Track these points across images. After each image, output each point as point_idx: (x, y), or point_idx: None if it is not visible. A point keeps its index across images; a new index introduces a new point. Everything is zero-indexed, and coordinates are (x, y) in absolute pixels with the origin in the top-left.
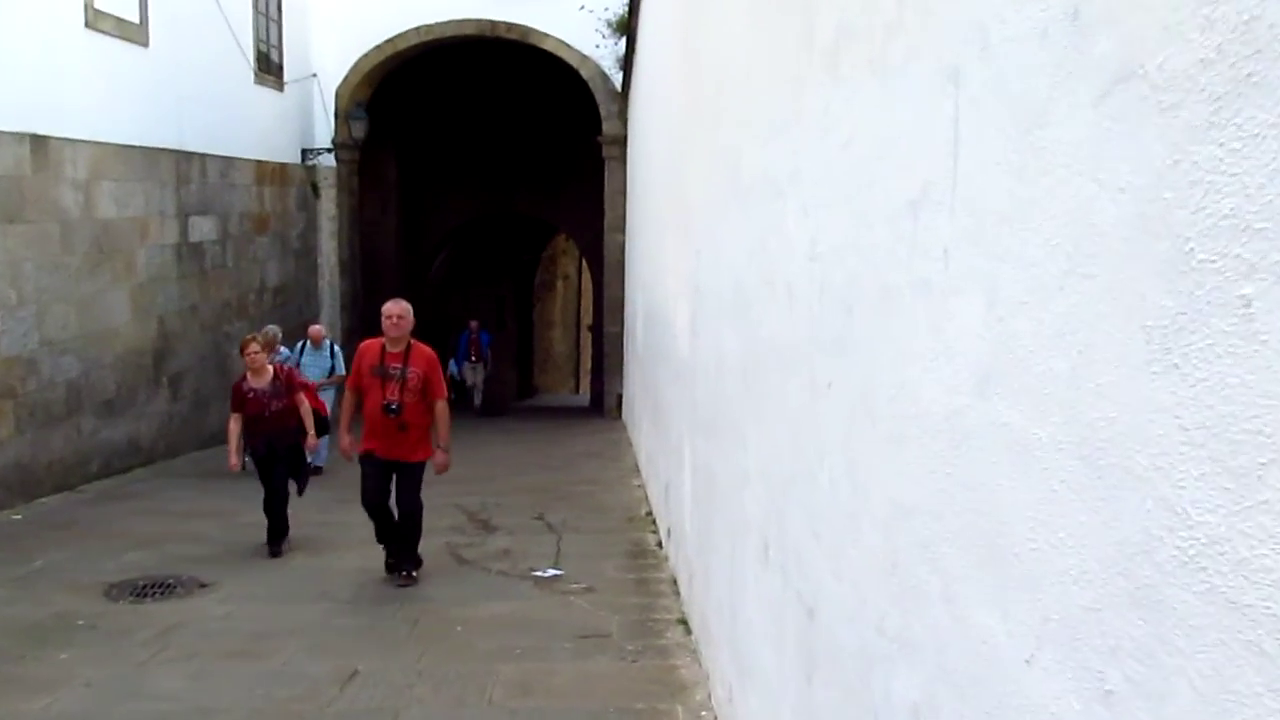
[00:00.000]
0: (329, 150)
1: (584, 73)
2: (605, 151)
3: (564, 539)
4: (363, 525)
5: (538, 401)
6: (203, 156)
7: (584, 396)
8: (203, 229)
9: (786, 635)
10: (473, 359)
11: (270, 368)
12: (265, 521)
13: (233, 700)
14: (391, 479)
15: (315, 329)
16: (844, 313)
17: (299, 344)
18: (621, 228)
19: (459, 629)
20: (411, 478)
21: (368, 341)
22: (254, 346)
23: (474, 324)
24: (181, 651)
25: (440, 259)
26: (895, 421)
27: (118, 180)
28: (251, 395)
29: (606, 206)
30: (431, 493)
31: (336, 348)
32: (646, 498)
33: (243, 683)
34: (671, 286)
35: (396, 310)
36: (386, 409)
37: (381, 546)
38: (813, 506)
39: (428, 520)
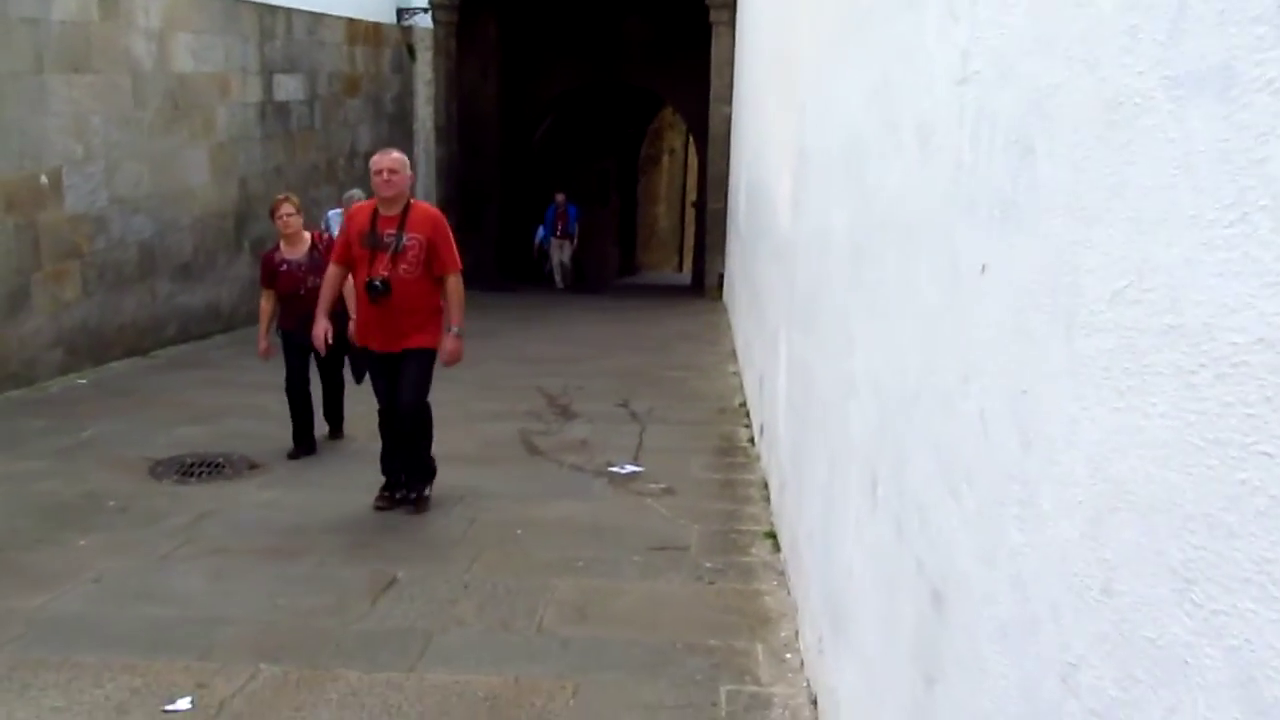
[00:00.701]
0: (425, 10)
1: None
2: (713, 16)
3: (648, 430)
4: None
5: (639, 280)
6: (288, 11)
7: (686, 276)
8: (289, 88)
9: (900, 615)
10: (558, 234)
11: (307, 235)
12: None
13: (249, 609)
14: (394, 370)
15: (351, 196)
16: (1018, 156)
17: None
18: (728, 98)
19: (519, 532)
20: (414, 368)
21: (358, 204)
22: (287, 208)
23: (560, 196)
24: (209, 545)
25: (542, 128)
26: (1123, 335)
27: (195, 32)
28: (285, 268)
29: (713, 75)
30: (512, 373)
31: None
32: (742, 387)
33: (266, 586)
34: (773, 155)
35: (387, 162)
36: (370, 287)
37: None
38: (948, 446)
39: (505, 402)
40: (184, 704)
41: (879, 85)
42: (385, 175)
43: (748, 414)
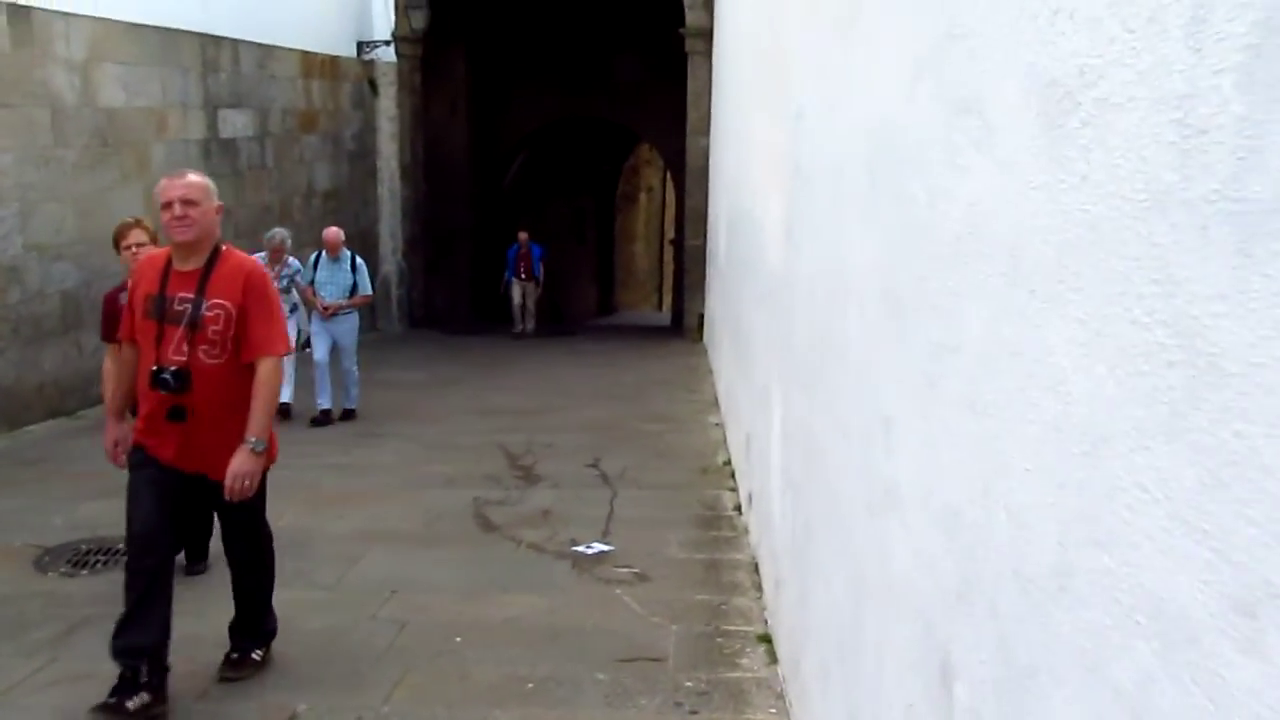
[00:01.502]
0: (386, 43)
1: None
2: (688, 45)
3: (619, 497)
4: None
5: (617, 319)
6: (235, 42)
7: (666, 315)
8: (236, 124)
9: None
10: (521, 276)
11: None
12: None
13: None
14: (185, 498)
15: (331, 232)
16: None
17: (314, 255)
18: (705, 130)
19: (458, 640)
20: (239, 509)
21: (149, 255)
22: (137, 235)
23: (523, 236)
24: (71, 668)
25: (515, 166)
26: None
27: (127, 64)
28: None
29: (690, 107)
30: (472, 428)
31: (360, 260)
32: (725, 441)
33: None
34: (759, 179)
35: (179, 190)
36: (156, 380)
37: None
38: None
39: (460, 463)
40: None
41: (934, 54)
42: (177, 209)
43: (733, 474)
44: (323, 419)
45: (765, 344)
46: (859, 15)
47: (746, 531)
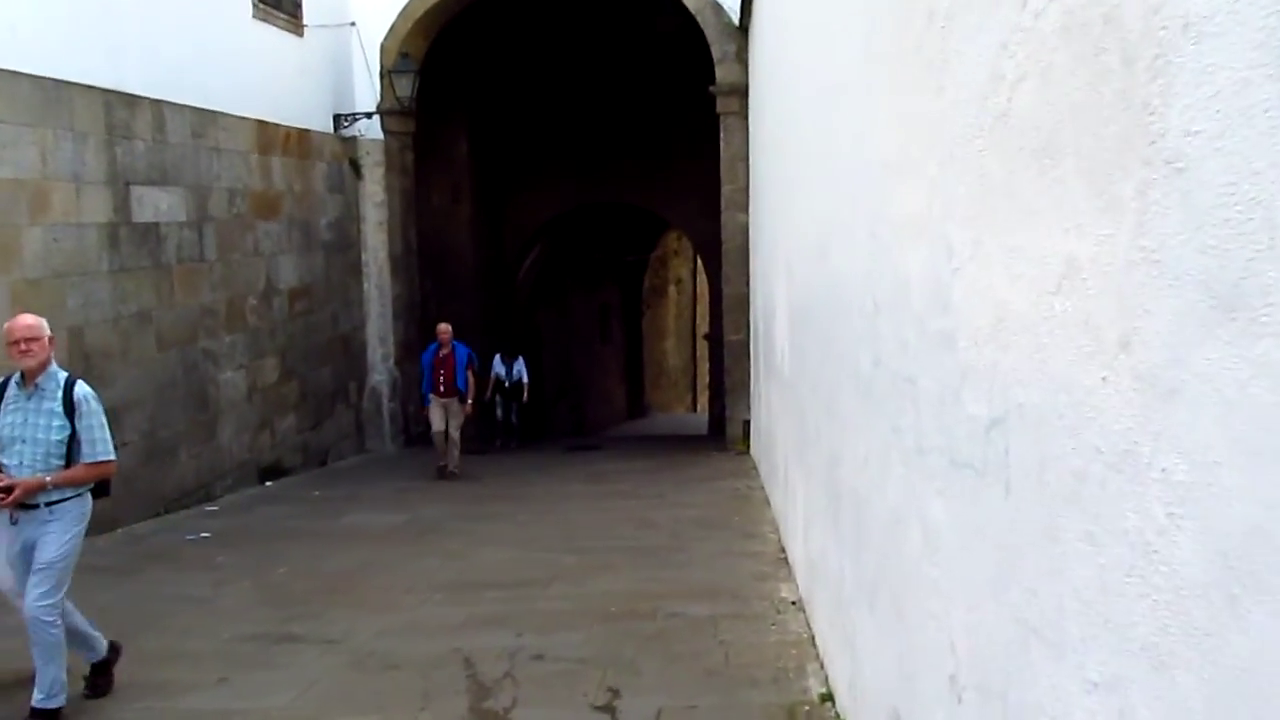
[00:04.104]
0: (368, 116)
1: (690, 3)
2: (720, 105)
3: None
4: None
5: (647, 424)
6: (157, 104)
7: (701, 416)
8: (160, 206)
9: None
10: (440, 390)
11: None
12: None
13: None
14: None
15: (19, 324)
16: None
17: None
18: (744, 204)
19: None
20: None
21: None
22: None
23: (443, 330)
24: None
25: (530, 259)
26: None
27: None
28: None
29: (723, 177)
30: (429, 621)
31: (85, 395)
32: (811, 632)
33: None
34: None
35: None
36: None
37: None
38: None
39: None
40: None
41: None
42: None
43: (834, 706)
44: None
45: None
46: None
47: None
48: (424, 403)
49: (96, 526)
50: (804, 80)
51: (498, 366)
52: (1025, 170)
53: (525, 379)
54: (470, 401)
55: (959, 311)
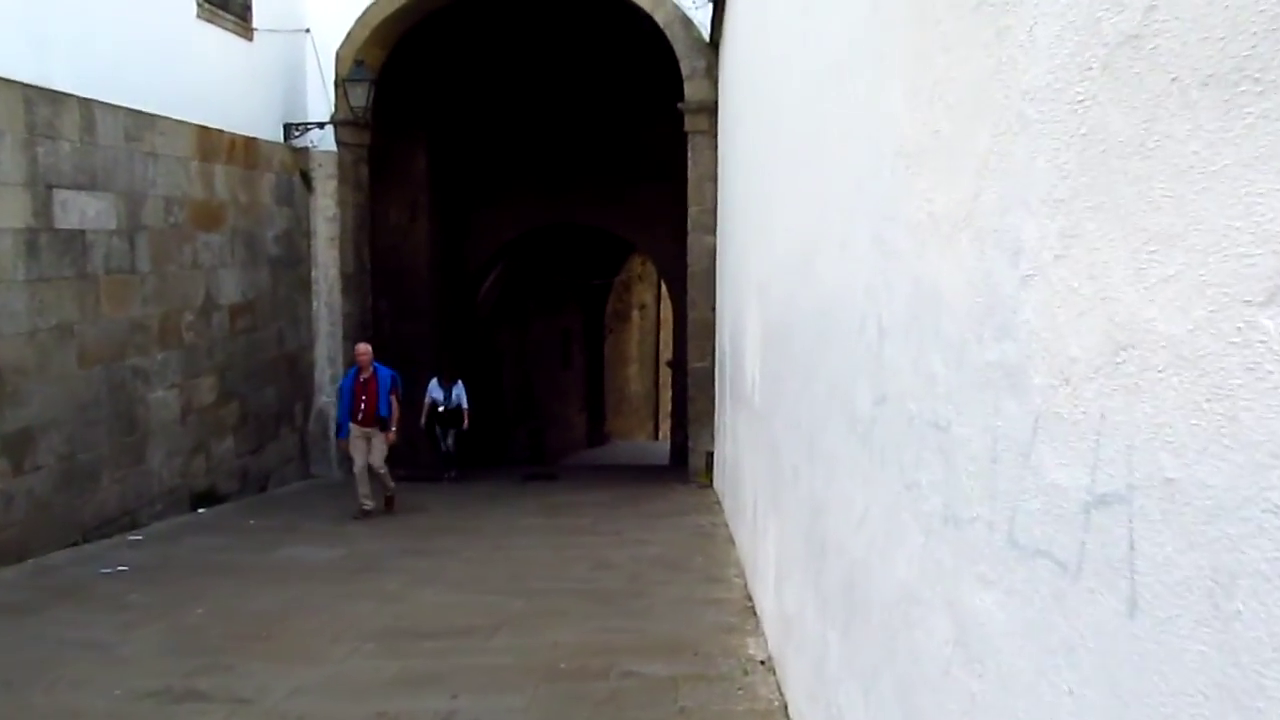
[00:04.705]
0: (320, 126)
1: (658, 17)
2: (688, 124)
3: None
4: None
5: (608, 451)
6: (86, 102)
7: (663, 445)
8: (87, 212)
9: None
10: (359, 418)
11: None
12: None
13: None
14: None
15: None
16: None
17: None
18: (711, 225)
19: None
20: None
21: None
22: None
23: (362, 350)
24: None
25: (490, 279)
26: None
27: None
28: None
29: (690, 198)
30: (359, 678)
31: None
32: (784, 699)
33: None
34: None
35: None
36: None
37: None
38: None
39: None
40: None
41: None
42: None
43: None
44: None
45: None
46: None
47: None
48: (340, 434)
49: (3, 557)
50: (786, 76)
51: (434, 391)
52: (1189, 111)
53: (465, 404)
54: (394, 429)
55: (1033, 336)
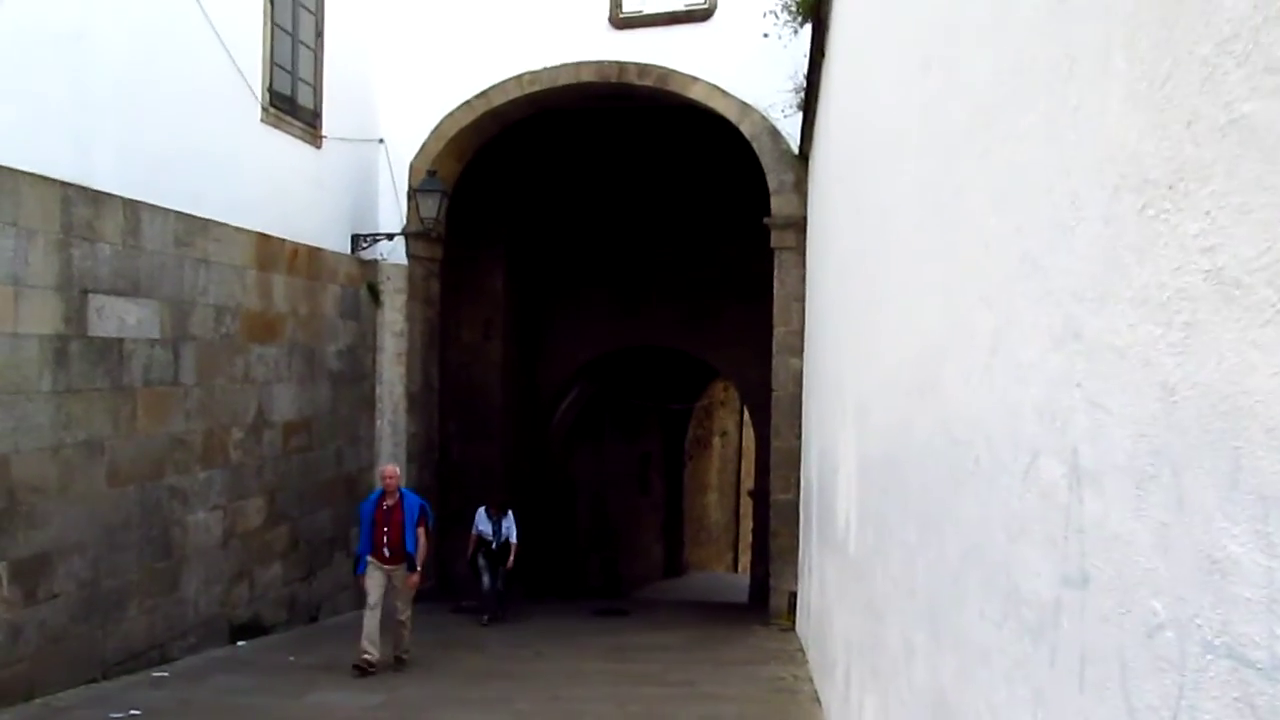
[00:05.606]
0: (389, 237)
1: (745, 128)
2: (775, 239)
3: None
4: None
5: (684, 584)
6: (132, 203)
7: (743, 578)
8: (125, 319)
9: None
10: (385, 554)
11: None
12: None
13: None
14: None
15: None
16: None
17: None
18: (798, 348)
19: None
20: None
21: None
22: None
23: (389, 473)
24: None
25: (566, 402)
26: None
27: None
28: None
29: (776, 319)
30: None
31: None
32: None
33: None
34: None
35: None
36: None
37: None
38: None
39: None
40: None
41: None
42: None
43: None
44: None
45: None
46: None
47: None
48: (357, 569)
49: (6, 696)
50: (897, 160)
51: (481, 522)
52: None
53: (514, 539)
54: (420, 569)
55: None
